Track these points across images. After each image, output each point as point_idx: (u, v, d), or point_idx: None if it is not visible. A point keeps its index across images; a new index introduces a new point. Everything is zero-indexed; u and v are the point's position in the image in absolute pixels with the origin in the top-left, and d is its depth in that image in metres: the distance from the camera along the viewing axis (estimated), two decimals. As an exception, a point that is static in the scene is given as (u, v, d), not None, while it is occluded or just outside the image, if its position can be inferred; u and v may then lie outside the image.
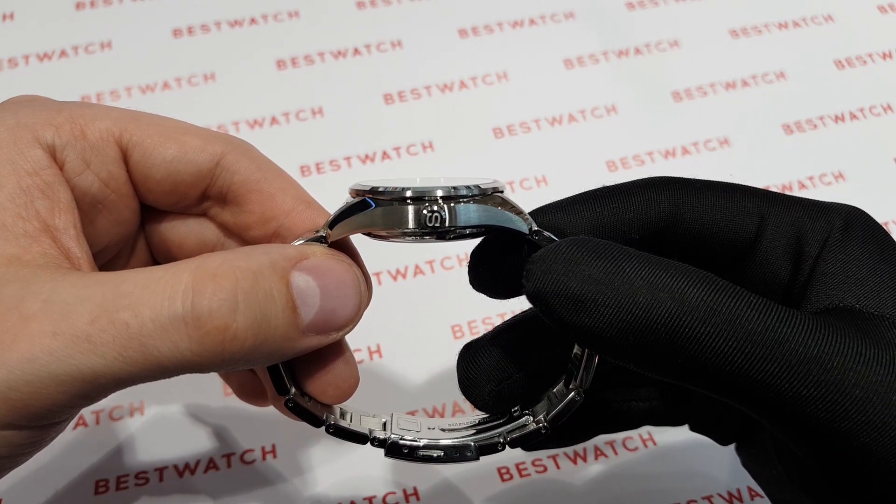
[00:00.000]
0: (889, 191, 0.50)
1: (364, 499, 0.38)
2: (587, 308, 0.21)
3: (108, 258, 0.30)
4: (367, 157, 0.50)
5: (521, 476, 0.39)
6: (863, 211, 0.26)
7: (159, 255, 0.32)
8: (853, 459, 0.21)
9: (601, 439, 0.40)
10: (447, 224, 0.23)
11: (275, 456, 0.39)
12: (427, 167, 0.50)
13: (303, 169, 0.50)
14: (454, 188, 0.23)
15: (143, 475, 0.39)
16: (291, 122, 0.52)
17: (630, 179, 0.27)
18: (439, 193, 0.23)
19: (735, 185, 0.27)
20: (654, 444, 0.40)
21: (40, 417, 0.22)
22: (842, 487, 0.22)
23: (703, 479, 0.39)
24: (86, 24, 0.56)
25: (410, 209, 0.23)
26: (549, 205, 0.27)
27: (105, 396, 0.23)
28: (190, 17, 0.57)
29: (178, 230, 0.31)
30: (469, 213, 0.24)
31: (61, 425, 0.24)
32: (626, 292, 0.21)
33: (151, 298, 0.22)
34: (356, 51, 0.56)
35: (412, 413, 0.41)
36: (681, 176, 0.27)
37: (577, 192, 0.27)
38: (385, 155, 0.51)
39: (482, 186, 0.24)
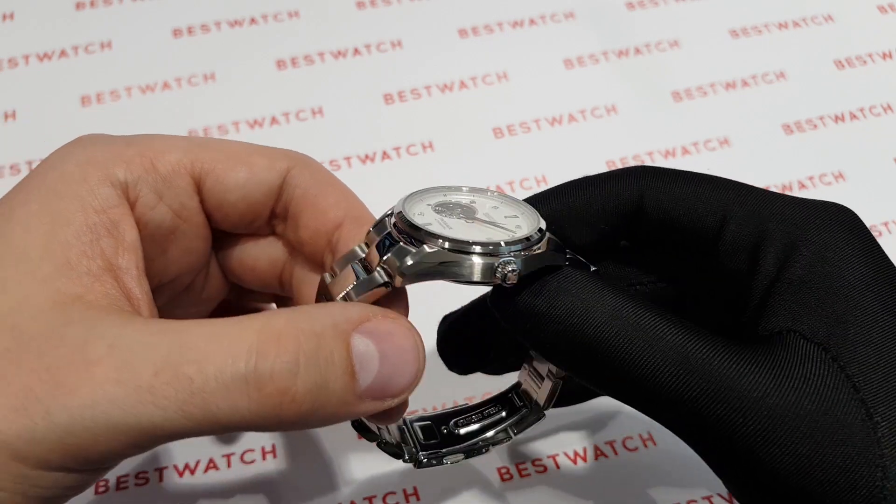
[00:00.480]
0: (889, 191, 0.50)
1: (364, 499, 0.38)
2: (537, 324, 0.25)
3: (181, 287, 0.30)
4: (366, 157, 0.50)
5: (522, 476, 0.39)
6: (836, 208, 0.26)
7: (233, 278, 0.32)
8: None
9: (601, 439, 0.40)
10: (517, 275, 0.24)
11: (275, 456, 0.39)
12: (427, 167, 0.50)
13: (303, 169, 0.50)
14: (527, 240, 0.25)
15: (143, 475, 0.39)
16: (291, 122, 0.52)
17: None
18: (516, 249, 0.25)
19: (704, 176, 0.27)
20: (654, 444, 0.40)
21: (93, 462, 0.22)
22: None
23: (704, 479, 0.39)
24: (86, 24, 0.56)
25: (481, 263, 0.24)
26: (531, 197, 0.28)
27: (157, 446, 0.23)
28: (190, 17, 0.57)
29: (250, 252, 0.31)
30: (530, 263, 0.25)
31: (108, 470, 0.24)
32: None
33: (216, 355, 0.21)
34: (356, 51, 0.56)
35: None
36: (655, 166, 0.27)
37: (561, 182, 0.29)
38: (385, 155, 0.51)
39: (542, 229, 0.25)
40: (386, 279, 0.25)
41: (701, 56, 0.56)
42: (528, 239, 0.25)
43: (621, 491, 0.39)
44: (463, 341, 0.32)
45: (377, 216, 0.27)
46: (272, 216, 0.29)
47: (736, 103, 0.53)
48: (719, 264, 0.26)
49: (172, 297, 0.30)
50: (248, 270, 0.31)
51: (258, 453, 0.39)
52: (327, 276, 0.27)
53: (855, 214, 0.26)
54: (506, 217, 0.26)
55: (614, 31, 0.57)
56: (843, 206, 0.26)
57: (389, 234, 0.25)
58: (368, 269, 0.25)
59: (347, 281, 0.26)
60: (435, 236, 0.24)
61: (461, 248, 0.24)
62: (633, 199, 0.27)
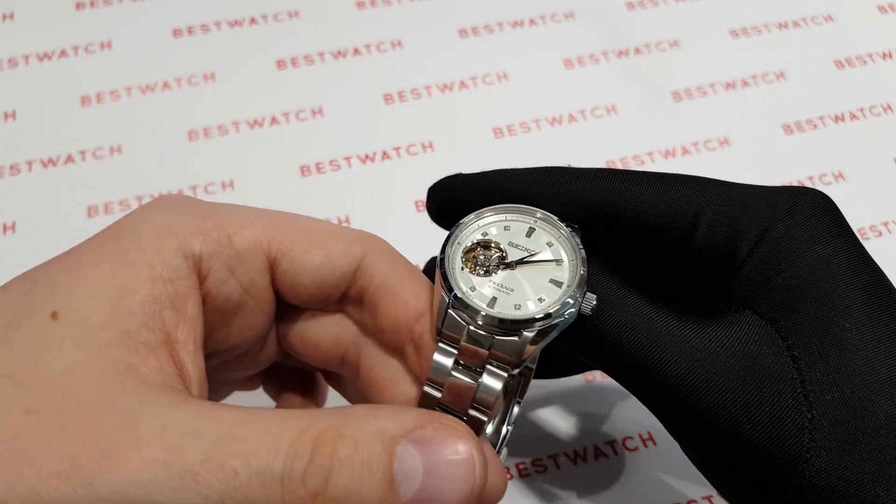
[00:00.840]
0: (889, 191, 0.50)
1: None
2: None
3: (236, 354, 0.30)
4: (367, 157, 0.50)
5: (521, 476, 0.39)
6: (813, 194, 0.27)
7: (290, 350, 0.31)
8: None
9: (601, 439, 0.40)
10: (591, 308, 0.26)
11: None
12: (427, 167, 0.50)
13: (303, 169, 0.50)
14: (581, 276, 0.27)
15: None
16: (291, 122, 0.52)
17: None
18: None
19: (676, 175, 0.28)
20: (655, 444, 0.40)
21: None
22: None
23: (704, 479, 0.39)
24: (86, 24, 0.56)
25: (574, 312, 0.26)
26: (506, 170, 0.29)
27: None
28: (190, 17, 0.57)
29: (314, 328, 0.30)
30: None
31: None
32: None
33: (261, 451, 0.21)
34: (356, 51, 0.56)
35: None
36: (627, 169, 0.28)
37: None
38: (385, 155, 0.51)
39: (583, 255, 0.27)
40: (505, 374, 0.26)
41: (701, 56, 0.56)
42: (582, 276, 0.26)
43: (621, 491, 0.39)
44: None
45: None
46: (343, 298, 0.29)
47: (736, 103, 0.53)
48: (693, 263, 0.27)
49: (224, 362, 0.30)
50: (311, 347, 0.30)
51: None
52: (432, 392, 0.26)
53: (827, 197, 0.27)
54: (544, 244, 0.28)
55: (614, 31, 0.57)
56: (815, 190, 0.27)
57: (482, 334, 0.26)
58: (472, 368, 0.26)
59: (469, 390, 0.26)
60: (525, 323, 0.25)
61: (552, 317, 0.25)
62: (606, 199, 0.28)
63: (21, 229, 0.47)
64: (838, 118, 0.53)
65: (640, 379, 0.26)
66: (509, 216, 0.28)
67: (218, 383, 0.31)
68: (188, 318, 0.25)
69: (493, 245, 0.28)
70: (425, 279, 0.29)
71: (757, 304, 0.25)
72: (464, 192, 0.30)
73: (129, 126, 0.51)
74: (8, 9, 0.57)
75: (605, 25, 0.57)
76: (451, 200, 0.30)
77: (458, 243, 0.28)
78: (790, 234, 0.26)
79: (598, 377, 0.42)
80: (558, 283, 0.26)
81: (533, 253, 0.27)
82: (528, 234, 0.28)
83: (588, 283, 0.26)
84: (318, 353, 0.30)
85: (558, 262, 0.27)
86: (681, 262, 0.28)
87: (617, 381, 0.27)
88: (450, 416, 0.24)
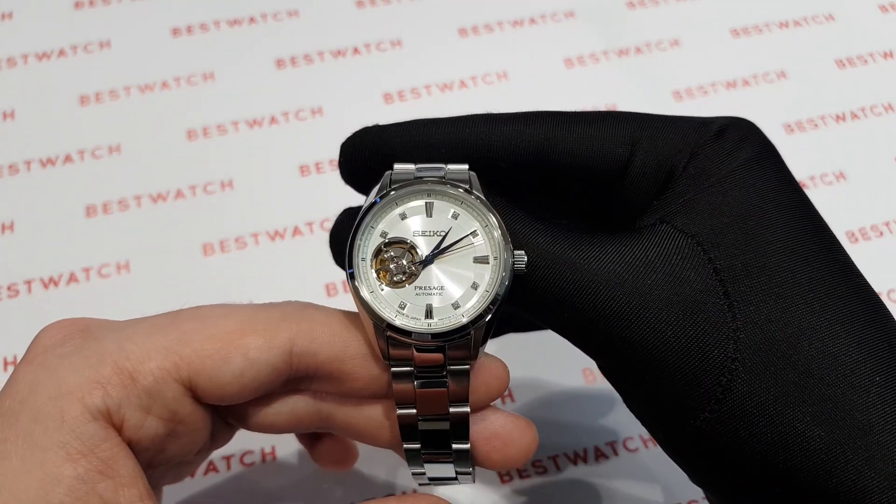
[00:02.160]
0: (889, 191, 0.49)
1: (363, 501, 0.38)
2: None
3: (183, 462, 0.29)
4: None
5: (521, 477, 0.39)
6: (743, 121, 0.27)
7: (244, 427, 0.29)
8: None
9: (601, 440, 0.40)
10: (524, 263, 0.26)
11: (274, 458, 0.39)
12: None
13: (302, 169, 0.50)
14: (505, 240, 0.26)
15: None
16: (291, 122, 0.52)
17: None
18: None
19: (609, 113, 0.28)
20: (654, 444, 0.40)
21: None
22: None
23: (704, 480, 0.39)
24: (84, 24, 0.56)
25: (507, 286, 0.26)
26: (426, 119, 0.28)
27: None
28: (189, 17, 0.57)
29: (265, 414, 0.28)
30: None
31: None
32: None
33: None
34: (356, 50, 0.55)
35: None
36: (558, 110, 0.28)
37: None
38: (385, 155, 0.51)
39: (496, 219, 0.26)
40: (467, 366, 0.25)
41: (702, 55, 0.56)
42: (500, 239, 0.25)
43: (621, 491, 0.39)
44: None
45: None
46: (288, 382, 0.27)
47: (737, 102, 0.53)
48: (626, 191, 0.27)
49: (169, 467, 0.29)
50: (268, 427, 0.28)
51: (258, 455, 0.39)
52: (407, 412, 0.26)
53: (755, 125, 0.27)
54: (449, 218, 0.26)
55: (615, 30, 0.57)
56: (745, 120, 0.27)
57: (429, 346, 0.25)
58: (434, 371, 0.25)
59: (441, 396, 0.25)
60: (474, 322, 0.25)
61: (491, 304, 0.25)
62: (537, 141, 0.27)
63: (20, 229, 0.47)
64: (839, 118, 0.53)
65: (562, 311, 0.25)
66: (400, 201, 0.26)
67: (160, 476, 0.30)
68: (126, 479, 0.24)
69: (398, 243, 0.26)
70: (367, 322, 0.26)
71: (678, 219, 0.25)
72: (382, 145, 0.28)
73: (128, 126, 0.51)
74: (7, 8, 0.57)
75: (606, 24, 0.57)
76: (368, 156, 0.28)
77: (363, 259, 0.25)
78: (717, 155, 0.26)
79: (598, 377, 0.42)
80: (484, 260, 0.25)
81: (443, 236, 0.26)
82: (429, 213, 0.26)
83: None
84: (279, 429, 0.28)
85: (473, 233, 0.26)
86: (603, 201, 0.27)
87: (542, 320, 0.26)
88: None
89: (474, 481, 0.29)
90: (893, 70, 0.55)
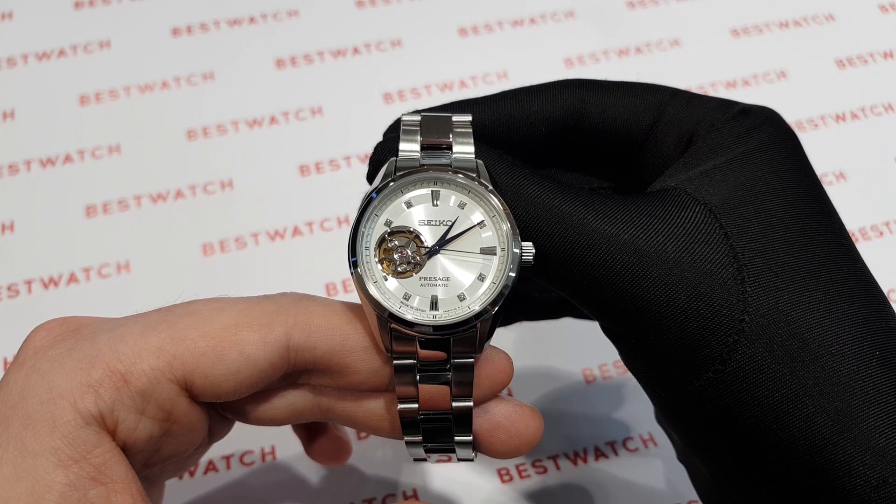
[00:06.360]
0: (890, 190, 0.49)
1: (363, 500, 0.38)
2: None
3: (183, 457, 0.28)
4: (366, 156, 0.50)
5: (521, 477, 0.39)
6: (767, 108, 0.28)
7: (249, 423, 0.28)
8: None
9: (601, 440, 0.40)
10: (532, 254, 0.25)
11: (274, 458, 0.39)
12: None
13: (302, 169, 0.50)
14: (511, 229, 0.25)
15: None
16: (291, 122, 0.52)
17: None
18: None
19: (640, 83, 0.28)
20: (655, 444, 0.40)
21: None
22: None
23: (704, 480, 0.39)
24: (85, 24, 0.56)
25: (514, 276, 0.25)
26: (465, 101, 0.28)
27: None
28: (189, 16, 0.57)
29: (264, 409, 0.27)
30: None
31: None
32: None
33: None
34: (356, 50, 0.55)
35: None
36: (589, 78, 0.29)
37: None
38: (385, 154, 0.51)
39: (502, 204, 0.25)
40: (471, 360, 0.25)
41: (702, 55, 0.56)
42: (508, 231, 0.25)
43: (621, 492, 0.39)
44: None
45: None
46: (286, 376, 0.26)
47: (736, 103, 0.53)
48: (647, 156, 0.28)
49: (168, 465, 0.28)
50: (267, 421, 0.28)
51: (257, 455, 0.39)
52: (409, 406, 0.25)
53: (777, 113, 0.28)
54: (455, 207, 0.25)
55: (615, 30, 0.57)
56: (770, 108, 0.28)
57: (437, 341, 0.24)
58: (437, 366, 0.25)
59: (444, 392, 0.25)
60: (479, 315, 0.24)
61: (498, 296, 0.24)
62: (572, 104, 0.28)
63: (20, 229, 0.47)
64: (839, 117, 0.53)
65: (572, 269, 0.25)
66: (405, 189, 0.25)
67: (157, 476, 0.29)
68: (119, 484, 0.23)
69: (403, 232, 0.25)
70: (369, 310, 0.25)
71: (693, 186, 0.25)
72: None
73: (127, 125, 0.51)
74: (7, 8, 0.57)
75: (606, 24, 0.57)
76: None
77: (366, 248, 0.25)
78: (737, 132, 0.26)
79: (598, 378, 0.42)
80: (491, 251, 0.25)
81: (449, 226, 0.25)
82: (435, 201, 0.25)
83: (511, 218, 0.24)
84: (278, 423, 0.28)
85: (480, 224, 0.25)
86: (624, 170, 0.28)
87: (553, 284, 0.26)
88: None
89: (474, 460, 0.28)
90: (893, 70, 0.55)
